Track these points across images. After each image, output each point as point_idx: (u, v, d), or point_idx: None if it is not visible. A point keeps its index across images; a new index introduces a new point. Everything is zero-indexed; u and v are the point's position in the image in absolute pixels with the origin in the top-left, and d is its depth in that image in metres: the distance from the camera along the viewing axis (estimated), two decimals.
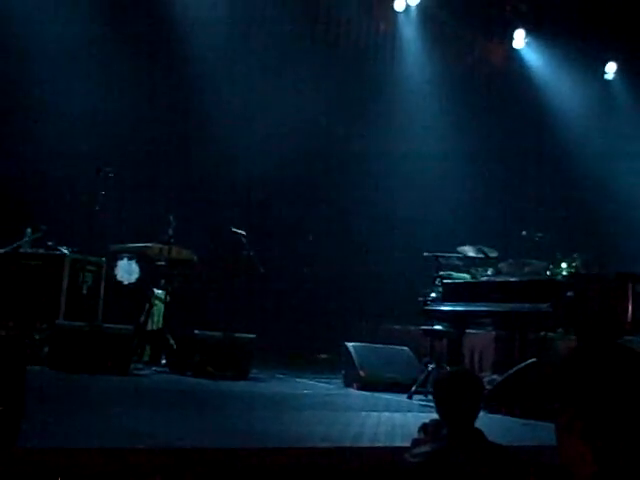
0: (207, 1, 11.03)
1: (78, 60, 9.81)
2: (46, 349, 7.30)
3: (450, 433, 3.23)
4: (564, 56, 13.04)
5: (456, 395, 3.27)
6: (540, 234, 8.49)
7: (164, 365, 8.31)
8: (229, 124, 10.63)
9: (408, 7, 12.64)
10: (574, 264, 8.03)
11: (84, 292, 8.17)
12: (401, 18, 12.84)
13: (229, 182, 10.85)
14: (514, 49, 13.51)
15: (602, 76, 13.99)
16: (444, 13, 12.92)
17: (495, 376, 7.34)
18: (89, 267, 8.32)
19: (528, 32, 13.22)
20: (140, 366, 8.02)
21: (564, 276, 7.38)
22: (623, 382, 1.61)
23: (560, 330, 7.88)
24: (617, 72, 13.92)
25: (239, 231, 8.74)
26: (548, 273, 7.90)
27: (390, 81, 12.75)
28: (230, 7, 11.11)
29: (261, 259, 8.69)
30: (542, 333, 7.82)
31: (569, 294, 6.64)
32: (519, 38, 13.31)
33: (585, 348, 1.75)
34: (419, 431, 3.37)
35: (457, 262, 8.54)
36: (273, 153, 10.94)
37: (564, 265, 7.95)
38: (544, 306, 6.84)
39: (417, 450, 3.23)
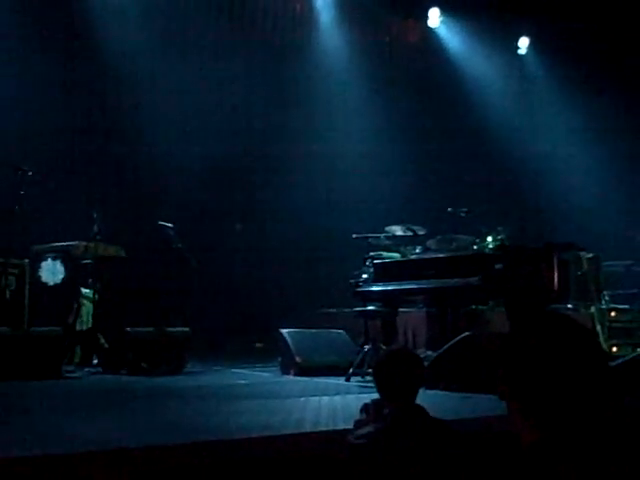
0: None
1: None
2: None
3: (392, 412, 3.24)
4: (478, 33, 13.27)
5: (396, 373, 3.28)
6: (465, 209, 8.61)
7: (96, 365, 8.15)
8: (151, 118, 10.42)
9: None
10: (499, 237, 8.17)
11: (7, 297, 7.90)
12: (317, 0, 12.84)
13: (153, 175, 10.66)
14: (430, 28, 13.66)
15: (515, 51, 14.31)
16: None
17: (430, 352, 7.44)
18: (11, 270, 8.03)
19: (442, 11, 13.39)
20: (72, 368, 7.83)
21: (492, 249, 7.50)
22: (558, 352, 1.63)
23: (490, 303, 8.04)
24: (529, 47, 14.27)
25: (167, 224, 8.61)
26: (475, 247, 8.04)
27: (309, 63, 12.71)
28: (142, 4, 10.92)
29: (190, 251, 8.58)
30: (473, 307, 7.96)
31: (498, 267, 6.76)
32: (434, 17, 13.47)
33: (520, 325, 1.76)
34: (361, 412, 3.37)
35: (386, 242, 8.60)
36: (197, 146, 10.82)
37: (489, 239, 8.08)
38: (474, 280, 6.95)
39: (360, 431, 3.23)
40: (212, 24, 11.46)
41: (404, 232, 8.43)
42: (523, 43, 14.25)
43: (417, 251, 8.37)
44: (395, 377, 3.29)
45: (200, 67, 11.29)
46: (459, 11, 13.18)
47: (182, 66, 11.15)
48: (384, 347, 7.12)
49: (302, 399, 5.89)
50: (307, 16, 12.92)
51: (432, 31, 13.72)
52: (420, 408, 3.30)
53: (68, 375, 7.46)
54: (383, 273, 8.08)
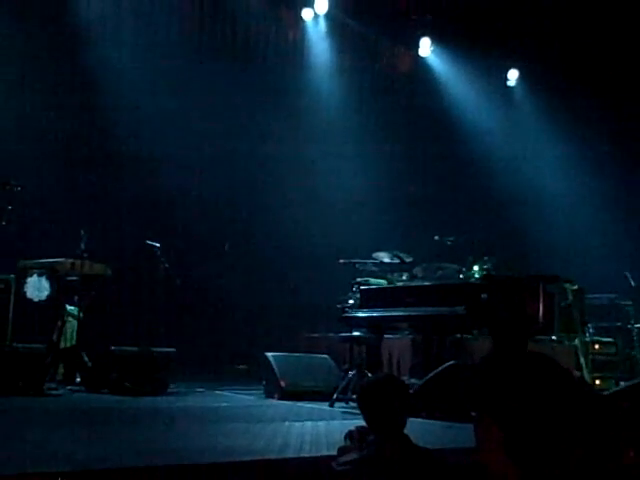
0: (110, 11, 10.88)
1: None
2: None
3: (376, 439, 3.24)
4: (468, 64, 13.41)
5: (383, 401, 3.28)
6: (451, 238, 8.66)
7: (79, 383, 8.09)
8: (140, 135, 10.43)
9: (316, 15, 12.77)
10: (485, 267, 8.23)
11: None
12: (309, 26, 12.93)
13: (142, 194, 10.64)
14: (420, 57, 13.81)
15: (505, 82, 14.48)
16: (352, 22, 13.09)
17: (413, 380, 7.44)
18: None
19: (433, 40, 13.55)
20: (54, 385, 7.77)
21: (478, 279, 7.54)
22: (536, 389, 1.65)
23: (475, 332, 8.07)
24: (518, 79, 14.45)
25: (153, 244, 8.61)
26: (461, 276, 8.08)
27: (300, 89, 12.78)
28: (135, 17, 10.97)
29: (176, 271, 8.57)
30: (458, 335, 7.98)
31: (483, 296, 6.79)
32: (425, 46, 13.63)
33: (497, 355, 1.78)
34: (345, 438, 3.37)
35: (373, 268, 8.63)
36: (186, 163, 10.83)
37: (476, 268, 8.14)
38: (460, 309, 6.97)
39: (344, 458, 3.22)
40: (204, 48, 11.54)
41: (391, 259, 8.48)
42: (512, 75, 14.44)
43: (404, 278, 8.41)
44: (381, 404, 3.28)
45: (190, 88, 11.33)
46: (450, 41, 13.34)
47: (172, 86, 11.17)
48: (369, 373, 7.13)
49: (286, 424, 5.87)
50: (300, 43, 13.00)
51: (423, 60, 13.87)
52: (404, 436, 3.30)
53: (50, 392, 7.41)
54: (369, 299, 8.09)
